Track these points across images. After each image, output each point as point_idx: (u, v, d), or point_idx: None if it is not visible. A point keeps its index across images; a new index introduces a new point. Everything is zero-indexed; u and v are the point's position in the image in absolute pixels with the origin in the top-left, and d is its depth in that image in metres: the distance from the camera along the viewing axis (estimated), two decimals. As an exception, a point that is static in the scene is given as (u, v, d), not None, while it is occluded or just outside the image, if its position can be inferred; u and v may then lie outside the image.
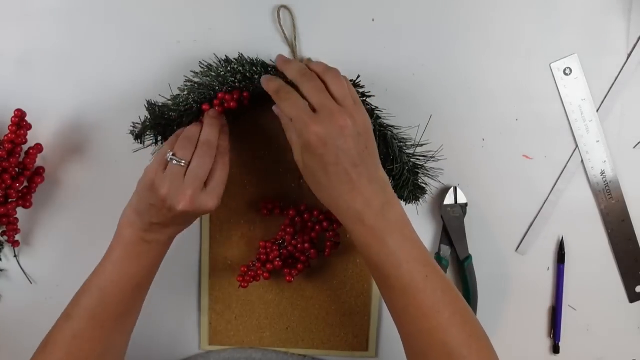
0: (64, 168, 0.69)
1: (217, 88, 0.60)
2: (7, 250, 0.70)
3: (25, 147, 0.66)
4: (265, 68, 0.61)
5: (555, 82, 0.68)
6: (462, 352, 0.52)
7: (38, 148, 0.66)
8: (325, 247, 0.68)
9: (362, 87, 0.61)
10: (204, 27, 0.66)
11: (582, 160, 0.69)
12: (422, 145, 0.65)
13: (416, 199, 0.65)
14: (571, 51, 0.67)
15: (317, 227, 0.67)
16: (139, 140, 0.62)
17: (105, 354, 0.59)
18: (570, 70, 0.68)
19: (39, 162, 0.67)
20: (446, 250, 0.70)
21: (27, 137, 0.66)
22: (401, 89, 0.68)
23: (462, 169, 0.69)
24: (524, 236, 0.71)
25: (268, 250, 0.67)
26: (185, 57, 0.66)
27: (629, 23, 0.67)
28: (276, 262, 0.66)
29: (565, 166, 0.70)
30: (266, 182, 0.69)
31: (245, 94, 0.60)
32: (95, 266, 0.61)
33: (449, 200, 0.69)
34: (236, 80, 0.60)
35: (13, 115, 0.64)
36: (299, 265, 0.67)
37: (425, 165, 0.65)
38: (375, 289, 0.71)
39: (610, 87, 0.68)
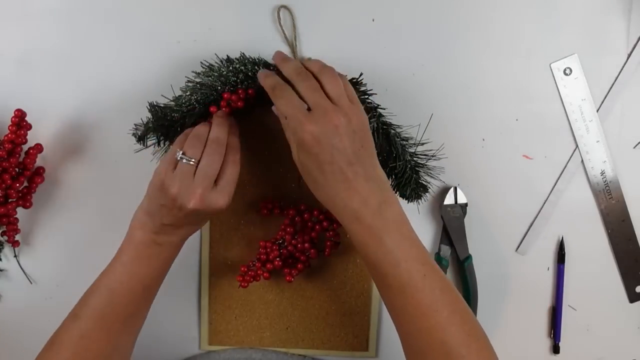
0: (64, 168, 0.69)
1: (219, 88, 0.60)
2: (7, 250, 0.70)
3: (25, 147, 0.66)
4: (267, 67, 0.61)
5: (555, 82, 0.68)
6: (460, 351, 0.52)
7: (38, 148, 0.66)
8: (325, 247, 0.68)
9: (364, 85, 0.61)
10: (204, 27, 0.66)
11: (582, 160, 0.69)
12: (422, 144, 0.65)
13: (418, 197, 0.65)
14: (571, 51, 0.67)
15: (317, 227, 0.67)
16: (142, 142, 0.62)
17: (112, 354, 0.59)
18: (570, 70, 0.68)
19: (39, 162, 0.67)
20: (446, 250, 0.70)
21: (27, 137, 0.66)
22: (401, 88, 0.68)
23: (462, 169, 0.69)
24: (524, 236, 0.71)
25: (268, 250, 0.67)
26: (185, 57, 0.66)
27: (629, 23, 0.67)
28: (276, 262, 0.66)
29: (565, 166, 0.70)
30: (266, 182, 0.69)
31: (250, 91, 0.60)
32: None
33: (449, 200, 0.69)
34: (238, 80, 0.60)
35: (13, 115, 0.64)
36: (299, 265, 0.67)
37: (426, 164, 0.65)
38: (375, 289, 0.71)
39: (610, 87, 0.68)
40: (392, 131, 0.62)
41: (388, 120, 0.62)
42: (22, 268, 0.71)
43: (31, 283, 0.71)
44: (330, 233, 0.67)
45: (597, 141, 0.69)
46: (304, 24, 0.66)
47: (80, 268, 0.70)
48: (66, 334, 0.58)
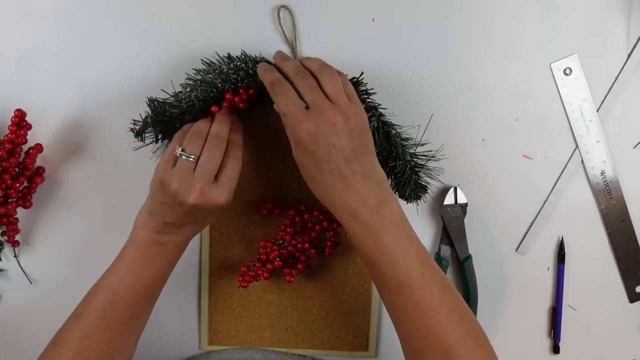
0: (64, 168, 0.69)
1: (219, 85, 0.60)
2: (7, 250, 0.70)
3: (25, 147, 0.66)
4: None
5: (555, 82, 0.68)
6: (459, 351, 0.52)
7: (38, 148, 0.66)
8: (325, 247, 0.68)
9: (365, 84, 0.61)
10: (204, 27, 0.66)
11: (582, 160, 0.69)
12: (422, 144, 0.65)
13: (417, 197, 0.65)
14: (571, 51, 0.67)
15: (317, 227, 0.67)
16: (139, 138, 0.62)
17: (114, 355, 0.59)
18: (570, 70, 0.68)
19: (39, 162, 0.67)
20: (446, 250, 0.70)
21: (27, 137, 0.65)
22: (401, 88, 0.68)
23: (462, 169, 0.69)
24: (524, 236, 0.71)
25: (268, 250, 0.67)
26: (185, 57, 0.66)
27: (629, 23, 0.67)
28: (276, 262, 0.66)
29: (565, 166, 0.70)
30: (266, 182, 0.69)
31: (251, 92, 0.60)
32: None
33: (449, 200, 0.69)
34: (239, 78, 0.60)
35: (13, 115, 0.64)
36: (299, 265, 0.67)
37: (425, 164, 0.65)
38: (375, 289, 0.71)
39: (610, 87, 0.68)
40: (393, 131, 0.62)
41: (388, 120, 0.62)
42: (22, 268, 0.71)
43: (31, 283, 0.71)
44: (330, 233, 0.67)
45: (597, 141, 0.69)
46: (304, 24, 0.66)
47: (81, 268, 0.71)
48: (69, 333, 0.58)
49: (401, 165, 0.62)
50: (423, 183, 0.65)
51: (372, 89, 0.61)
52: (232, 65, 0.60)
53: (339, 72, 0.57)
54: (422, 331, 0.53)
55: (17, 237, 0.69)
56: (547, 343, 0.74)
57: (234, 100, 0.60)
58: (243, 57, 0.61)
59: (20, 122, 0.65)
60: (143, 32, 0.66)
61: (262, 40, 0.66)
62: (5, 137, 0.65)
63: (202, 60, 0.63)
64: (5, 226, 0.67)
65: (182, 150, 0.56)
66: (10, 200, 0.66)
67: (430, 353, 0.52)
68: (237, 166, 0.58)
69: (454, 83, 0.68)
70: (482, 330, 0.55)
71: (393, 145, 0.62)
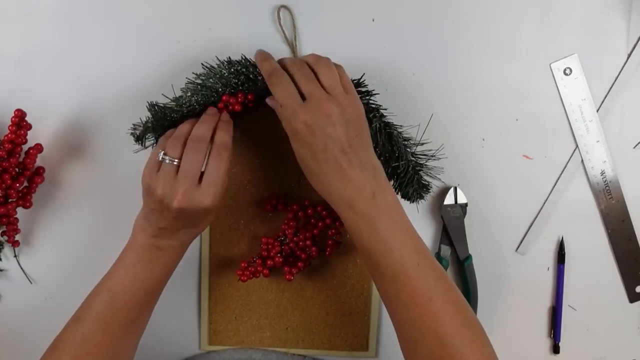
0: (64, 168, 0.69)
1: (220, 89, 0.60)
2: (7, 250, 0.70)
3: (25, 147, 0.66)
4: None
5: (555, 82, 0.68)
6: (454, 341, 0.52)
7: (38, 148, 0.66)
8: (326, 247, 0.68)
9: (366, 85, 0.61)
10: (204, 27, 0.66)
11: (582, 160, 0.69)
12: (422, 144, 0.65)
13: (420, 197, 0.65)
14: (571, 51, 0.67)
15: (320, 224, 0.67)
16: (140, 142, 0.62)
17: (114, 358, 0.59)
18: (570, 70, 0.68)
19: (39, 162, 0.67)
20: (446, 250, 0.70)
21: (27, 137, 0.65)
22: (401, 88, 0.68)
23: (462, 169, 0.69)
24: (524, 236, 0.71)
25: (269, 246, 0.67)
26: (185, 57, 0.66)
27: (629, 23, 0.67)
28: (277, 259, 0.66)
29: (565, 166, 0.70)
30: (266, 181, 0.69)
31: (250, 97, 0.60)
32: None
33: (449, 200, 0.69)
34: (239, 82, 0.60)
35: (13, 115, 0.64)
36: (300, 264, 0.67)
37: (426, 164, 0.65)
38: (376, 289, 0.71)
39: (610, 87, 0.68)
40: (395, 131, 0.62)
41: (390, 120, 0.62)
42: (22, 268, 0.71)
43: (31, 283, 0.71)
44: (333, 231, 0.67)
45: (597, 141, 0.69)
46: (304, 24, 0.66)
47: (81, 268, 0.71)
48: (69, 336, 0.58)
49: (404, 165, 0.62)
50: (425, 182, 0.65)
51: (374, 89, 0.61)
52: (232, 70, 0.60)
53: (337, 65, 0.58)
54: (417, 321, 0.53)
55: (17, 237, 0.69)
56: (547, 343, 0.74)
57: (230, 101, 0.60)
58: (243, 61, 0.61)
59: (20, 122, 0.64)
60: (143, 32, 0.66)
61: (262, 40, 0.66)
62: (5, 137, 0.65)
63: (202, 64, 0.63)
64: (5, 226, 0.67)
65: (165, 154, 0.56)
66: (10, 200, 0.66)
67: (425, 343, 0.52)
68: (222, 167, 0.56)
69: (454, 83, 0.68)
70: (478, 322, 0.55)
71: (395, 146, 0.62)
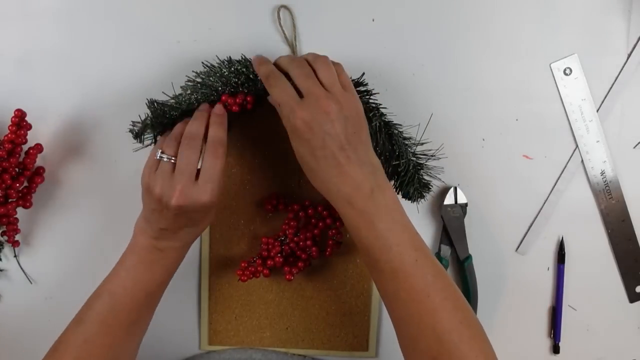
0: (64, 168, 0.69)
1: (220, 88, 0.60)
2: (7, 250, 0.70)
3: (25, 147, 0.66)
4: None
5: (555, 82, 0.68)
6: (452, 338, 0.52)
7: (38, 148, 0.66)
8: (327, 247, 0.68)
9: (366, 84, 0.61)
10: (204, 27, 0.66)
11: (582, 160, 0.69)
12: (422, 144, 0.65)
13: (421, 196, 0.65)
14: (571, 51, 0.67)
15: (320, 224, 0.67)
16: (139, 139, 0.62)
17: None
18: (570, 70, 0.68)
19: (39, 162, 0.67)
20: (446, 250, 0.70)
21: (27, 137, 0.65)
22: (401, 88, 0.68)
23: (462, 169, 0.69)
24: (524, 236, 0.71)
25: (270, 246, 0.67)
26: (185, 57, 0.66)
27: (629, 23, 0.67)
28: (277, 258, 0.66)
29: (565, 166, 0.70)
30: (266, 181, 0.69)
31: (249, 98, 0.60)
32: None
33: (449, 200, 0.69)
34: (239, 82, 0.60)
35: (13, 115, 0.64)
36: (300, 264, 0.67)
37: (426, 163, 0.65)
38: (376, 289, 0.71)
39: (610, 87, 0.68)
40: (395, 131, 0.62)
41: (390, 120, 0.62)
42: (22, 268, 0.71)
43: (31, 283, 0.71)
44: (333, 231, 0.67)
45: (597, 141, 0.69)
46: (304, 24, 0.66)
47: (81, 268, 0.71)
48: (70, 337, 0.58)
49: (404, 163, 0.62)
50: (426, 181, 0.65)
51: (374, 89, 0.61)
52: (232, 69, 0.60)
53: (335, 62, 0.58)
54: (415, 318, 0.53)
55: (17, 237, 0.69)
56: (547, 343, 0.74)
57: (228, 102, 0.60)
58: (243, 60, 0.61)
59: (20, 122, 0.65)
60: (143, 32, 0.66)
61: (262, 40, 0.66)
62: (5, 137, 0.65)
63: (202, 63, 0.63)
64: (5, 226, 0.67)
65: (162, 153, 0.57)
66: (10, 200, 0.66)
67: (424, 340, 0.52)
68: (217, 164, 0.57)
69: (454, 83, 0.68)
70: (476, 319, 0.55)
71: (396, 145, 0.62)
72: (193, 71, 0.62)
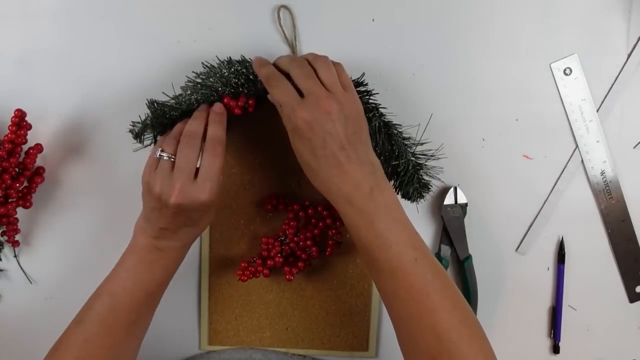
0: (64, 168, 0.69)
1: (220, 89, 0.60)
2: (7, 250, 0.70)
3: (25, 147, 0.66)
4: None
5: (555, 82, 0.68)
6: (451, 337, 0.52)
7: (38, 148, 0.66)
8: (327, 247, 0.68)
9: (366, 84, 0.61)
10: (204, 27, 0.66)
11: (582, 160, 0.69)
12: (422, 144, 0.65)
13: (421, 196, 0.65)
14: (571, 51, 0.67)
15: (320, 224, 0.67)
16: (138, 139, 0.62)
17: None
18: (570, 70, 0.68)
19: (39, 162, 0.67)
20: (446, 250, 0.70)
21: (27, 137, 0.65)
22: (401, 88, 0.68)
23: (462, 169, 0.69)
24: (524, 236, 0.71)
25: (270, 246, 0.67)
26: (185, 57, 0.66)
27: (629, 23, 0.67)
28: (277, 258, 0.66)
29: (565, 166, 0.70)
30: (266, 181, 0.69)
31: (251, 102, 0.60)
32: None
33: (449, 200, 0.69)
34: (239, 82, 0.60)
35: (13, 115, 0.64)
36: (300, 264, 0.67)
37: (425, 163, 0.65)
38: (376, 289, 0.71)
39: (610, 87, 0.68)
40: (395, 131, 0.62)
41: (389, 120, 0.62)
42: (22, 268, 0.71)
43: (31, 283, 0.71)
44: (333, 231, 0.67)
45: (597, 141, 0.69)
46: (304, 24, 0.66)
47: (80, 268, 0.71)
48: (70, 337, 0.58)
49: (404, 163, 0.62)
50: (425, 181, 0.65)
51: (374, 89, 0.61)
52: (232, 69, 0.60)
53: (336, 62, 0.58)
54: (414, 317, 0.53)
55: (17, 237, 0.69)
56: (547, 343, 0.74)
57: (230, 104, 0.60)
58: (243, 61, 0.61)
59: (20, 122, 0.65)
60: (143, 32, 0.66)
61: (262, 40, 0.66)
62: (5, 137, 0.65)
63: (202, 63, 0.63)
64: (5, 226, 0.67)
65: (162, 152, 0.57)
66: (10, 200, 0.66)
67: (423, 339, 0.52)
68: (216, 162, 0.57)
69: (453, 83, 0.68)
70: (476, 319, 0.55)
71: (395, 145, 0.62)
72: (193, 72, 0.62)
